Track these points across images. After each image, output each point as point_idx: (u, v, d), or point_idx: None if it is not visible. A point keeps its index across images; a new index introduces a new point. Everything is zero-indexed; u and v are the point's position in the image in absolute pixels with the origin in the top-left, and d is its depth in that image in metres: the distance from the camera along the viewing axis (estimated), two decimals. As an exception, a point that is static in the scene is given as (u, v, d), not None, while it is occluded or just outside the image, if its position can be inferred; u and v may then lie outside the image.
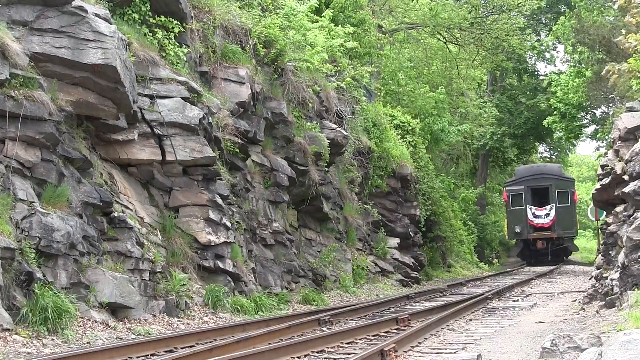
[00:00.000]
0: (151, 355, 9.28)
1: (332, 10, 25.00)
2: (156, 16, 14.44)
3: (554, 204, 35.07)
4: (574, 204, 36.35)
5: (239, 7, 17.60)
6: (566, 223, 35.32)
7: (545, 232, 35.22)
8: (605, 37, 25.61)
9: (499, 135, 47.09)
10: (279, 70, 18.11)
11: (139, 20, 14.14)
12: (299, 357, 9.29)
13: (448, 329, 12.32)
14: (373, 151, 24.53)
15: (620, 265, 12.69)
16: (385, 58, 31.30)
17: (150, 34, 14.26)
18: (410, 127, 29.07)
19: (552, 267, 32.33)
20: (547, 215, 34.98)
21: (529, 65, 50.04)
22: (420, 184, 28.44)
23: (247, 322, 12.15)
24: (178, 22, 14.76)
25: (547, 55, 48.39)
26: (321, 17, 23.54)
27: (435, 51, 38.99)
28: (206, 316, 12.82)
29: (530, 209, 35.16)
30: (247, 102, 16.01)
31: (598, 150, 35.23)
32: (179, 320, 12.11)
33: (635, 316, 9.47)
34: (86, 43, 11.40)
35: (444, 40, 37.99)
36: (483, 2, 40.02)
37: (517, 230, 35.40)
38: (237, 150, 15.58)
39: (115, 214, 12.16)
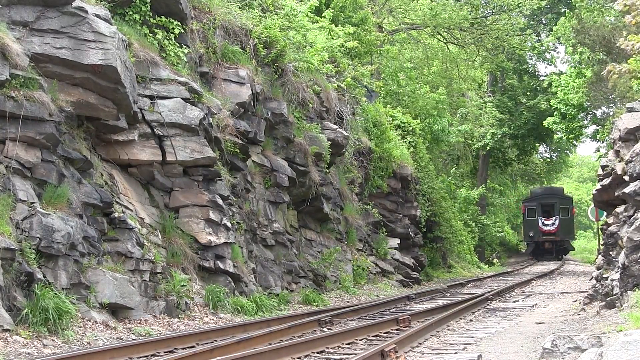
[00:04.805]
0: (152, 355, 9.27)
1: (332, 11, 25.02)
2: (156, 16, 14.44)
3: (558, 216, 45.80)
4: (572, 216, 48.17)
5: (239, 8, 17.60)
6: (567, 229, 46.46)
7: (551, 236, 45.78)
8: (605, 38, 25.60)
9: (499, 136, 47.14)
10: (279, 70, 18.11)
11: (140, 21, 14.13)
12: (299, 358, 9.29)
13: (448, 330, 12.32)
14: (373, 151, 24.54)
15: (620, 265, 12.68)
16: (386, 58, 31.31)
17: (151, 34, 14.26)
18: (410, 128, 29.09)
19: (553, 268, 34.49)
20: (553, 224, 45.54)
21: (530, 65, 50.05)
22: (421, 185, 28.45)
23: (247, 322, 12.15)
24: (178, 23, 14.75)
25: (548, 55, 48.41)
26: (321, 17, 23.57)
27: (435, 52, 39.03)
28: (206, 317, 12.82)
29: (541, 219, 45.76)
30: (248, 102, 16.01)
31: (598, 150, 35.28)
32: (180, 321, 12.10)
33: (635, 317, 9.47)
34: (86, 44, 11.39)
35: (445, 41, 38.00)
36: (483, 2, 40.00)
37: (531, 234, 46.43)
38: (238, 151, 15.58)
39: (116, 215, 12.15)
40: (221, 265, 14.00)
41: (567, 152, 60.19)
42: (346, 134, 21.42)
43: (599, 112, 33.04)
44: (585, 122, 36.10)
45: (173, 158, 13.65)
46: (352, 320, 13.73)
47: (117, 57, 11.61)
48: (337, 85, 22.25)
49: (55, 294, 9.90)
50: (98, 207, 11.73)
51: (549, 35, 42.90)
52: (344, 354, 9.71)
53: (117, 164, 13.34)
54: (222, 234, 14.08)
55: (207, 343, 10.06)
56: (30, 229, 10.13)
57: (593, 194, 15.82)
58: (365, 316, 14.46)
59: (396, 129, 27.91)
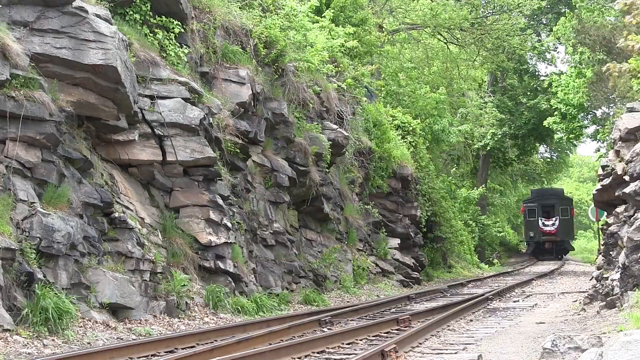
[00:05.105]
0: (152, 355, 9.27)
1: (332, 11, 25.02)
2: (157, 16, 14.43)
3: (557, 216, 46.77)
4: (572, 217, 49.11)
5: (240, 8, 17.60)
6: (566, 230, 47.43)
7: (551, 236, 46.73)
8: (605, 38, 25.60)
9: (499, 136, 47.15)
10: (280, 70, 18.11)
11: (140, 21, 14.12)
12: (299, 358, 9.29)
13: (449, 330, 12.32)
14: (374, 151, 24.53)
15: (620, 265, 12.69)
16: (386, 58, 31.28)
17: (151, 34, 14.26)
18: (410, 128, 29.09)
19: (553, 268, 34.87)
20: (553, 224, 46.51)
21: (530, 65, 50.02)
22: (421, 185, 28.45)
23: (247, 322, 12.15)
24: (179, 23, 14.75)
25: (548, 55, 48.36)
26: (321, 17, 23.57)
27: (435, 52, 39.01)
28: (207, 317, 12.82)
29: (541, 219, 46.68)
30: (248, 102, 16.01)
31: (599, 150, 35.22)
32: (180, 321, 12.10)
33: (636, 317, 9.48)
34: (87, 43, 11.39)
35: (445, 41, 37.99)
36: (484, 2, 39.99)
37: (531, 235, 47.46)
38: (238, 151, 15.58)
39: (116, 215, 12.15)
40: (221, 265, 14.00)
41: (568, 152, 60.19)
42: (346, 134, 21.42)
43: (599, 112, 33.01)
44: (586, 122, 36.07)
45: (173, 158, 13.65)
46: (352, 320, 13.72)
47: (117, 57, 11.61)
48: (338, 85, 22.25)
49: (56, 293, 9.90)
50: (98, 207, 11.73)
51: (549, 35, 42.83)
52: (344, 354, 9.71)
53: (118, 164, 13.33)
54: (223, 234, 14.08)
55: (207, 343, 10.06)
56: (30, 228, 10.12)
57: (593, 194, 15.83)
58: (366, 316, 14.46)
59: (396, 129, 27.91)
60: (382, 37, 30.59)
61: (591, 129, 36.69)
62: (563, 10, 42.71)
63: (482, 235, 44.14)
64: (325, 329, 12.11)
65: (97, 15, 11.75)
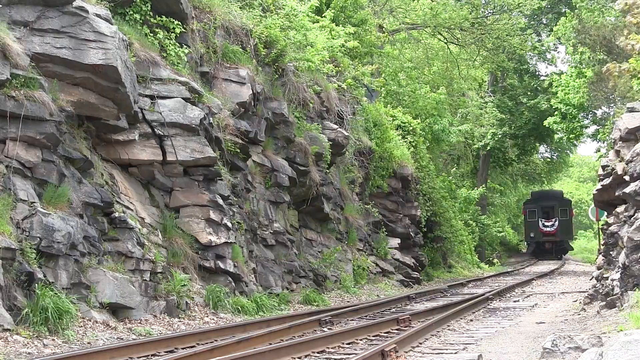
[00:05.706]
0: (152, 355, 9.27)
1: (332, 10, 25.02)
2: (157, 16, 14.43)
3: (557, 217, 48.23)
4: (571, 218, 50.66)
5: (240, 8, 17.60)
6: (566, 231, 49.11)
7: (551, 237, 48.26)
8: (606, 38, 25.59)
9: (499, 136, 47.15)
10: (280, 70, 18.11)
11: (140, 21, 14.13)
12: (299, 358, 9.29)
13: (449, 329, 12.32)
14: (374, 151, 24.54)
15: (621, 265, 12.69)
16: (386, 58, 31.26)
17: (151, 34, 14.26)
18: (411, 128, 29.09)
19: (553, 268, 35.16)
20: (553, 225, 47.92)
21: (530, 65, 50.03)
22: (421, 185, 28.45)
23: (247, 322, 12.15)
24: (179, 23, 14.75)
25: (548, 55, 48.37)
26: (322, 17, 23.57)
27: (436, 51, 39.00)
28: (207, 316, 12.82)
29: (541, 220, 48.19)
30: (248, 102, 16.01)
31: (599, 150, 35.23)
32: (180, 321, 12.11)
33: (636, 316, 9.49)
34: (87, 43, 11.39)
35: (445, 41, 37.98)
36: (484, 2, 39.97)
37: (532, 235, 49.03)
38: (238, 151, 15.58)
39: (116, 215, 12.15)
40: (221, 265, 14.00)
41: (568, 152, 60.18)
42: (347, 133, 21.43)
43: (599, 112, 32.99)
44: (586, 122, 36.05)
45: (173, 158, 13.65)
46: (352, 320, 13.72)
47: (117, 57, 11.61)
48: (338, 85, 22.25)
49: (56, 293, 9.90)
50: (98, 206, 11.73)
51: (549, 35, 42.78)
52: (345, 354, 9.71)
53: (118, 163, 13.34)
54: (223, 233, 14.08)
55: (207, 343, 10.06)
56: (30, 228, 10.12)
57: (593, 194, 15.83)
58: (366, 316, 14.46)
59: (397, 129, 27.91)
60: (382, 37, 30.59)
61: (591, 129, 36.69)
62: (563, 10, 42.68)
63: (482, 235, 44.17)
64: (325, 329, 12.11)
65: (98, 15, 11.75)
